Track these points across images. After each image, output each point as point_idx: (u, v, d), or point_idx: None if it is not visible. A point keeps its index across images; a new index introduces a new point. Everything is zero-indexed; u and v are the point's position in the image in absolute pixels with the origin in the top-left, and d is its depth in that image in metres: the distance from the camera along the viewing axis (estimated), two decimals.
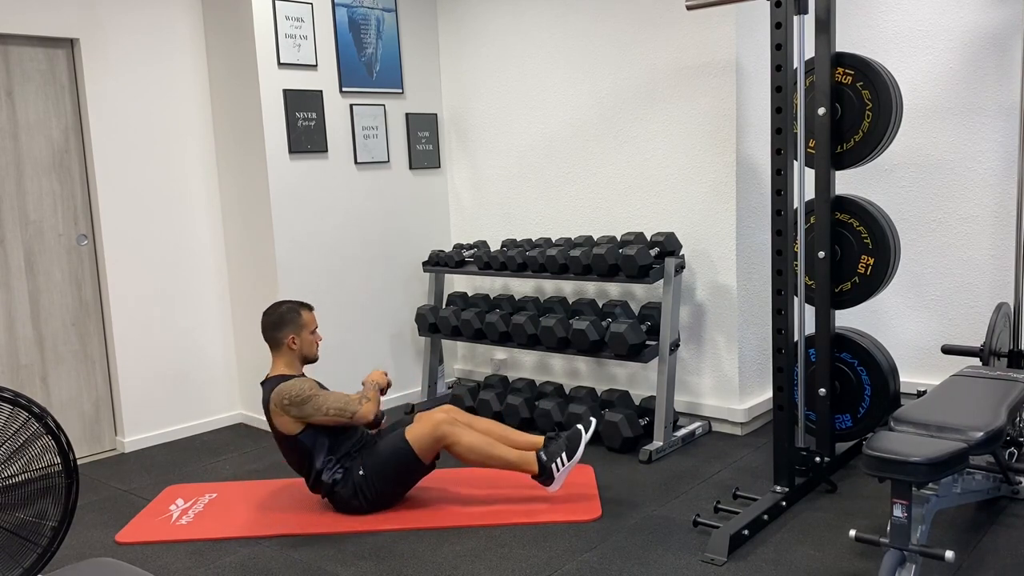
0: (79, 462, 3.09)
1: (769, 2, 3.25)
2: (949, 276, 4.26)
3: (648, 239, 4.24)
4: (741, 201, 4.16)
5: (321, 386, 3.52)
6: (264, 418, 3.59)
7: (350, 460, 3.47)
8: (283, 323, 3.53)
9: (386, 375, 3.68)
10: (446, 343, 5.40)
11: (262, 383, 3.54)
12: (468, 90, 5.19)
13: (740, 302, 4.22)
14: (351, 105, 4.80)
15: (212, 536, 3.37)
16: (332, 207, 4.78)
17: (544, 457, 3.46)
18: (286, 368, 3.54)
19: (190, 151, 4.70)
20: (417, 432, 3.44)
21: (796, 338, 3.46)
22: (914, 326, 4.40)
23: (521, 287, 5.11)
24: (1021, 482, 3.27)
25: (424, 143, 5.21)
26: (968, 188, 4.16)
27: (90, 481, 4.10)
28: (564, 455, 3.46)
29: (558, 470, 3.44)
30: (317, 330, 3.63)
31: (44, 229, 4.31)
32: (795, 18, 3.28)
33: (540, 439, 3.60)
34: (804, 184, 3.40)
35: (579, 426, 3.56)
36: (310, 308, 3.62)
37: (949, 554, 2.45)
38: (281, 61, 4.48)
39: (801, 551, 3.00)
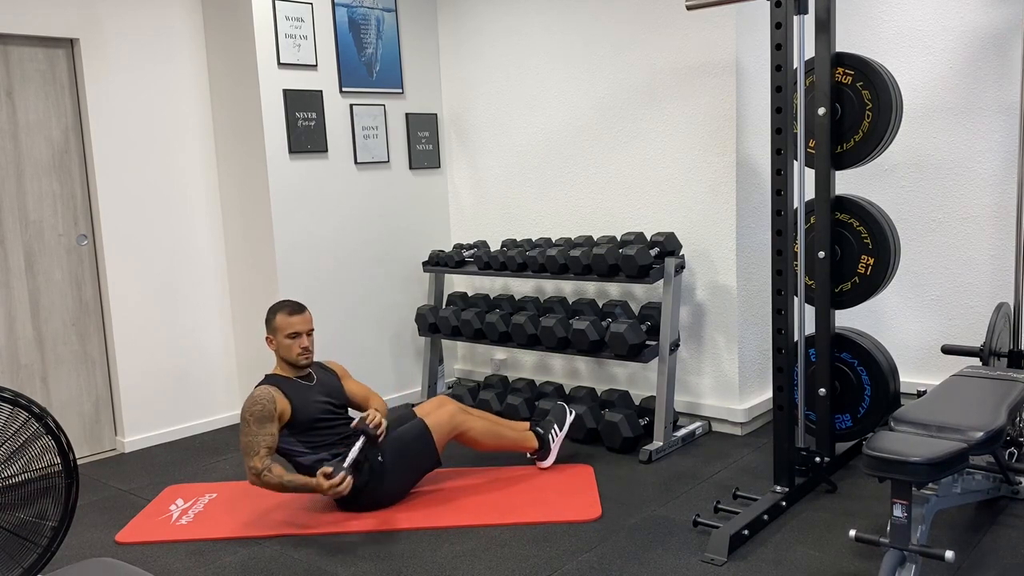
0: (79, 462, 3.09)
1: (769, 2, 3.25)
2: (949, 276, 4.26)
3: (648, 239, 4.24)
4: (741, 201, 4.16)
5: (297, 397, 3.46)
6: None
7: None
8: (266, 322, 3.60)
9: (376, 423, 3.41)
10: (446, 343, 5.40)
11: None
12: (468, 90, 5.19)
13: (740, 302, 4.22)
14: (351, 105, 4.80)
15: (212, 536, 3.37)
16: (332, 207, 4.78)
17: (541, 430, 3.86)
18: (279, 367, 3.59)
19: (190, 151, 4.70)
20: (436, 421, 3.61)
21: (796, 338, 3.46)
22: (914, 326, 4.39)
23: (521, 287, 5.11)
24: (1021, 482, 3.27)
25: (424, 143, 5.21)
26: (968, 188, 4.16)
27: (90, 481, 4.10)
28: (556, 427, 3.92)
29: (552, 441, 3.86)
30: (306, 336, 3.53)
31: (44, 229, 4.31)
32: (795, 18, 3.28)
33: (526, 423, 3.95)
34: (804, 184, 3.40)
35: (560, 403, 4.06)
36: (293, 312, 3.52)
37: (949, 554, 2.45)
38: (281, 61, 4.48)
39: (801, 551, 3.00)
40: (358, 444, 3.38)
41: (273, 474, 3.30)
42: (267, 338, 3.57)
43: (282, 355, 3.55)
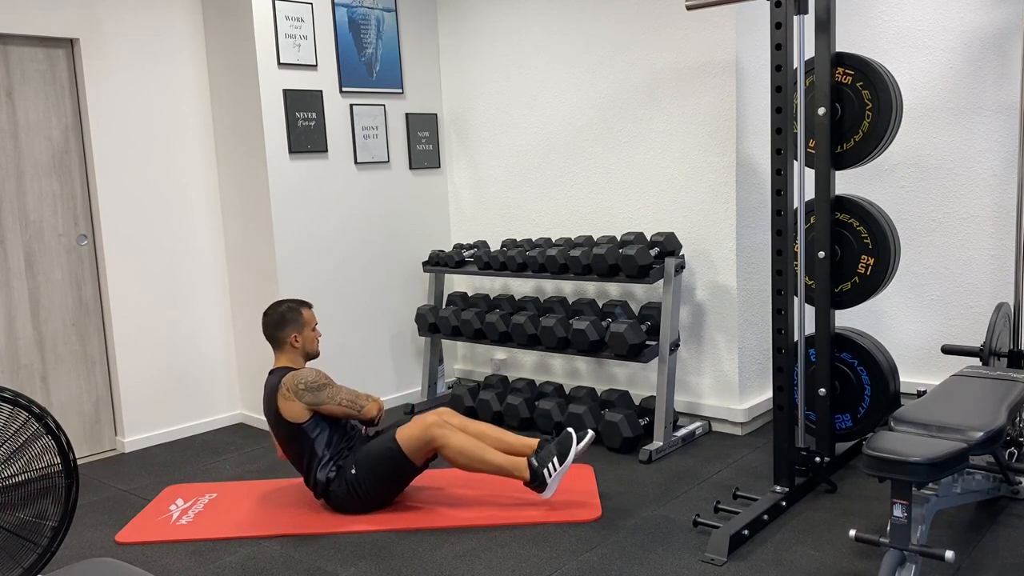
0: (79, 462, 3.09)
1: (769, 2, 3.25)
2: (949, 276, 4.26)
3: (648, 239, 4.24)
4: (741, 201, 4.16)
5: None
6: (262, 416, 3.59)
7: (343, 459, 3.49)
8: (284, 323, 3.58)
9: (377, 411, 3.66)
10: (446, 343, 5.40)
11: (269, 373, 3.58)
12: (468, 90, 5.19)
13: (740, 302, 4.22)
14: (351, 105, 4.80)
15: (212, 536, 3.37)
16: (332, 207, 4.78)
17: (535, 463, 3.40)
18: (290, 364, 3.60)
19: (190, 151, 4.70)
20: (407, 433, 3.45)
21: (796, 338, 3.46)
22: (914, 326, 4.39)
23: (521, 287, 5.11)
24: (1021, 482, 3.27)
25: (424, 143, 5.21)
26: (968, 188, 4.16)
27: (90, 481, 4.10)
28: (555, 460, 3.39)
29: (550, 475, 3.38)
30: (317, 326, 3.70)
31: (44, 229, 4.31)
32: (795, 18, 3.28)
33: (535, 442, 3.55)
34: (804, 184, 3.40)
35: (569, 429, 3.49)
36: (309, 306, 3.69)
37: (949, 554, 2.45)
38: (281, 61, 4.48)
39: (801, 551, 3.00)
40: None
41: (371, 398, 3.57)
42: (293, 337, 3.59)
43: (307, 348, 3.64)
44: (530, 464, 3.40)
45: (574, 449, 3.42)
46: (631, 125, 4.46)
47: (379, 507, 3.51)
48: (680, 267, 4.07)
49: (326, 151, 4.71)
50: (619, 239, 4.39)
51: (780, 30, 3.22)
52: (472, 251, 4.85)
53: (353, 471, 3.44)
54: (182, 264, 4.70)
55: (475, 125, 5.19)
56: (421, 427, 3.43)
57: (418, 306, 5.17)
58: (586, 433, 3.48)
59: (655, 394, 4.26)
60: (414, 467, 3.50)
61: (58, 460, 2.80)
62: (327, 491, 3.47)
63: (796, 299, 3.40)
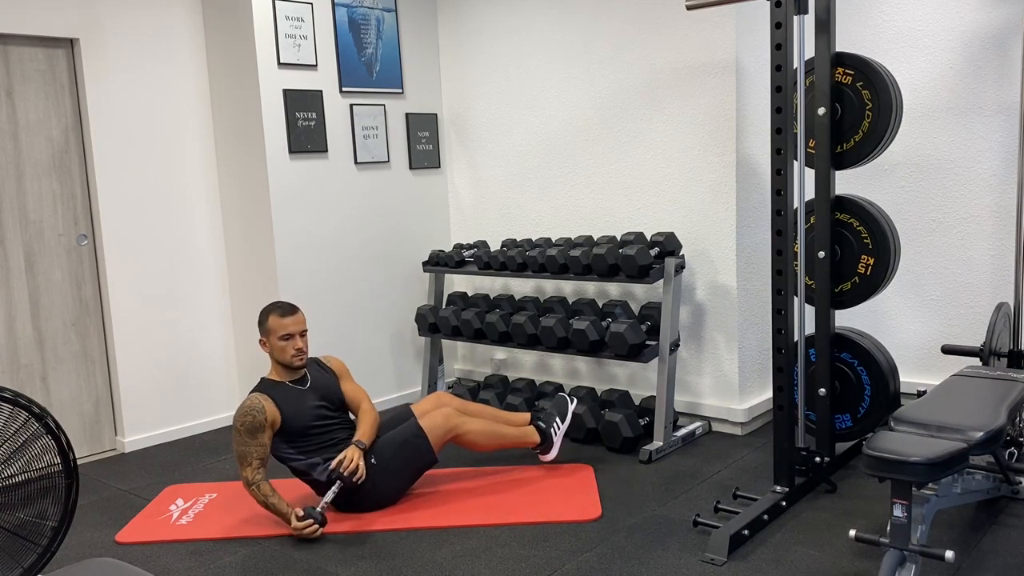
0: (79, 462, 3.09)
1: (769, 2, 3.25)
2: (949, 276, 4.26)
3: (648, 239, 4.24)
4: (741, 201, 4.16)
5: (289, 405, 3.45)
6: None
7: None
8: (258, 324, 3.57)
9: (352, 468, 3.34)
10: (446, 343, 5.40)
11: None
12: (468, 90, 5.19)
13: (740, 302, 4.22)
14: (351, 105, 4.81)
15: (212, 536, 3.37)
16: (332, 207, 4.78)
17: (543, 424, 3.83)
18: (274, 371, 3.57)
19: (190, 151, 4.71)
20: (431, 423, 3.56)
21: (796, 338, 3.46)
22: (914, 326, 4.39)
23: (521, 287, 5.11)
24: (1021, 482, 3.27)
25: (424, 143, 5.21)
26: (968, 188, 4.16)
27: (90, 481, 4.10)
28: (557, 419, 3.89)
29: (555, 434, 3.84)
30: (299, 337, 3.50)
31: (44, 229, 4.31)
32: (795, 18, 3.28)
33: (527, 415, 3.91)
34: (804, 184, 3.40)
35: (562, 393, 4.03)
36: (285, 313, 3.49)
37: (949, 554, 2.46)
38: (281, 61, 4.48)
39: (801, 551, 3.00)
40: (333, 489, 3.35)
41: (260, 491, 3.33)
42: (261, 341, 3.54)
43: (276, 357, 3.52)
44: (537, 427, 3.83)
45: (571, 407, 3.97)
46: (631, 125, 4.46)
47: (390, 502, 3.53)
48: (680, 267, 4.07)
49: (326, 151, 4.71)
50: (619, 239, 4.39)
51: (780, 30, 3.22)
52: (472, 251, 4.85)
53: (373, 461, 3.45)
54: (182, 264, 4.70)
55: (475, 125, 5.19)
56: (443, 416, 3.60)
57: (418, 306, 5.17)
58: (574, 400, 4.04)
59: (655, 394, 4.26)
60: (432, 458, 3.58)
61: (58, 460, 2.80)
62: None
63: (796, 299, 3.41)
